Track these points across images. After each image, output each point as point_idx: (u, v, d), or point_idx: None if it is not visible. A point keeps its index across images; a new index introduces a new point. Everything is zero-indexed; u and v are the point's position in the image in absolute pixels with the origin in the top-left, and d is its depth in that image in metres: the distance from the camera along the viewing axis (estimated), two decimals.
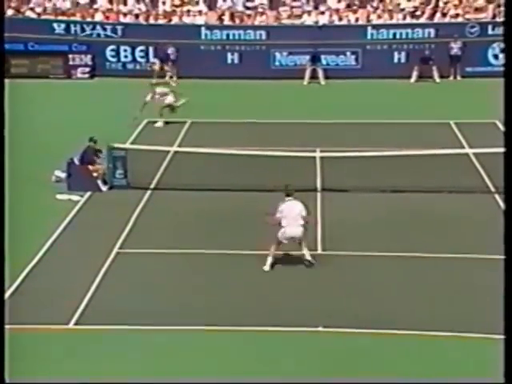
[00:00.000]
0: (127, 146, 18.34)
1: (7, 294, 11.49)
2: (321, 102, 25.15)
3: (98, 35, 29.13)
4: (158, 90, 22.41)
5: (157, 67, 28.10)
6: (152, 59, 28.94)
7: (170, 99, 22.19)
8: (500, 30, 28.03)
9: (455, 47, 28.05)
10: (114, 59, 29.20)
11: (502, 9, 28.99)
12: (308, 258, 13.14)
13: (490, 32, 28.28)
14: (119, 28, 29.19)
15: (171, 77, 27.81)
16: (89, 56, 29.03)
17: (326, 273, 12.92)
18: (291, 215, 12.97)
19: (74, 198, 16.54)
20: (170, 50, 28.49)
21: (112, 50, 29.16)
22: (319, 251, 13.72)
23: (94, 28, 29.16)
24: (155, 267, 13.22)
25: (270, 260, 13.13)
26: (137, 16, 30.16)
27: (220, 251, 13.74)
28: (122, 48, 29.12)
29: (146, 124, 22.23)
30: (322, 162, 17.99)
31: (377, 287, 12.43)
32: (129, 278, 12.80)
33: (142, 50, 29.11)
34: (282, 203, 13.13)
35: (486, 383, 9.59)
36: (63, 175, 17.22)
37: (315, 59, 28.12)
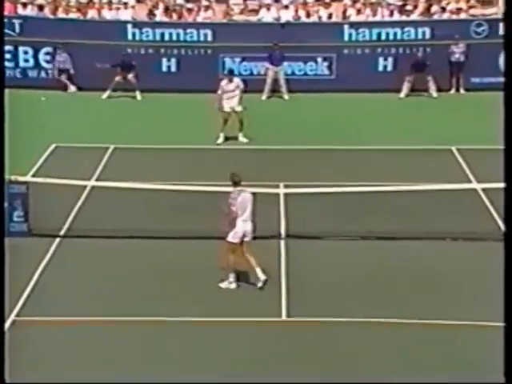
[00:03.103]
0: (28, 178, 18.18)
1: None
2: (284, 122, 25.32)
3: None
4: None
5: (118, 77, 27.81)
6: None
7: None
8: None
9: (457, 52, 28.56)
10: (10, 64, 29.05)
11: None
12: (260, 275, 14.19)
13: (501, 32, 28.86)
14: (17, 23, 29.09)
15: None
16: None
17: (292, 345, 12.90)
18: (245, 208, 14.11)
19: None
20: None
21: (8, 52, 29.03)
22: (283, 317, 13.75)
23: None
24: (63, 340, 13.08)
25: (232, 275, 14.20)
26: (41, 8, 30.18)
27: (148, 318, 13.63)
28: (22, 49, 29.05)
29: (54, 149, 22.09)
30: (287, 200, 18.05)
31: (356, 361, 12.44)
32: (28, 355, 12.56)
33: (47, 53, 29.08)
34: (238, 195, 14.12)
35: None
36: None
37: (277, 67, 28.30)
